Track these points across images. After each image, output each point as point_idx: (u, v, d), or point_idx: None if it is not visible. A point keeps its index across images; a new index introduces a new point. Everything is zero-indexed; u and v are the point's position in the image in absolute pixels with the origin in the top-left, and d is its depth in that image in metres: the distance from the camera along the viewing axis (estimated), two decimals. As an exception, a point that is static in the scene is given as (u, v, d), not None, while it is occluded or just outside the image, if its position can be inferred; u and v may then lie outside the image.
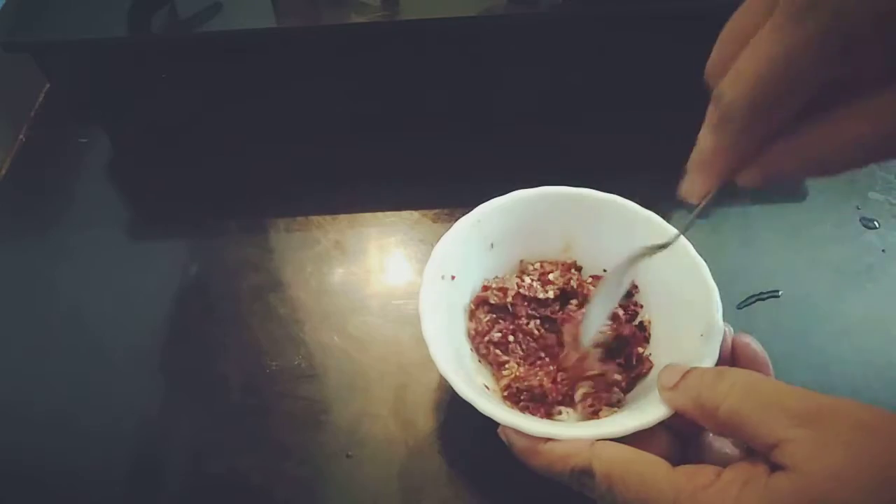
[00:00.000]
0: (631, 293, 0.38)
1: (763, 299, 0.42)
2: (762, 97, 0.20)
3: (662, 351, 0.35)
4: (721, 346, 0.30)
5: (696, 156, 0.24)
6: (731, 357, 0.31)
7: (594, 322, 0.33)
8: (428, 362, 0.31)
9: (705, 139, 0.23)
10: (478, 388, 0.31)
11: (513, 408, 0.34)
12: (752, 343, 0.31)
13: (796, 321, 0.42)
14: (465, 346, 0.36)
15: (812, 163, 0.21)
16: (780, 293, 0.43)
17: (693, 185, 0.25)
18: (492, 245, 0.38)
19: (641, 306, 0.37)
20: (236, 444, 0.37)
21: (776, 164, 0.22)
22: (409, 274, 0.45)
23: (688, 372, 0.28)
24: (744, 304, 0.42)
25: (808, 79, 0.19)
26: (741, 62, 0.20)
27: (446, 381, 0.30)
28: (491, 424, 0.29)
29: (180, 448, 0.37)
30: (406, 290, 0.44)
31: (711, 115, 0.22)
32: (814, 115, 0.20)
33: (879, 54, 0.17)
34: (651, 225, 0.36)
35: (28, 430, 0.38)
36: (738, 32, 0.21)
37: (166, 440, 0.38)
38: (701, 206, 0.26)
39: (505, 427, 0.29)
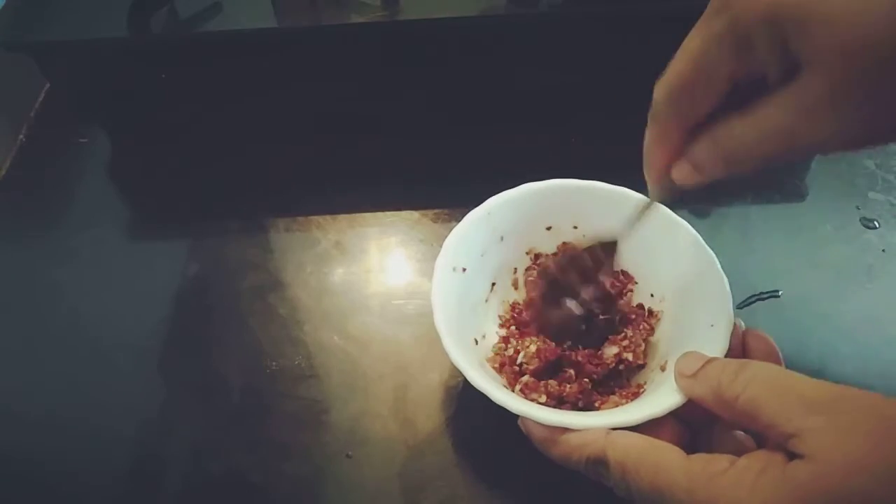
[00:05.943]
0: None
1: (763, 299, 0.42)
2: (678, 91, 0.23)
3: (673, 341, 0.35)
4: (731, 339, 0.30)
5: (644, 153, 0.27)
6: (741, 351, 0.31)
7: None
8: (428, 362, 0.31)
9: (646, 136, 0.26)
10: (490, 380, 0.31)
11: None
12: (766, 337, 0.31)
13: (796, 321, 0.42)
14: (478, 338, 0.36)
15: (728, 155, 0.24)
16: (780, 293, 0.43)
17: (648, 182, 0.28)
18: (502, 238, 0.38)
19: (652, 295, 0.38)
20: (236, 444, 0.37)
21: (699, 156, 0.25)
22: (410, 274, 0.45)
23: (708, 361, 0.28)
24: (744, 304, 0.42)
25: (716, 73, 0.22)
26: (669, 64, 0.23)
27: (447, 381, 0.30)
28: (491, 423, 0.29)
29: (180, 448, 0.37)
30: (406, 290, 0.44)
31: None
32: (729, 113, 0.23)
33: (775, 54, 0.20)
34: (660, 216, 0.36)
35: (28, 430, 0.38)
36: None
37: (166, 440, 0.38)
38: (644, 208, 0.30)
39: (524, 418, 0.29)
